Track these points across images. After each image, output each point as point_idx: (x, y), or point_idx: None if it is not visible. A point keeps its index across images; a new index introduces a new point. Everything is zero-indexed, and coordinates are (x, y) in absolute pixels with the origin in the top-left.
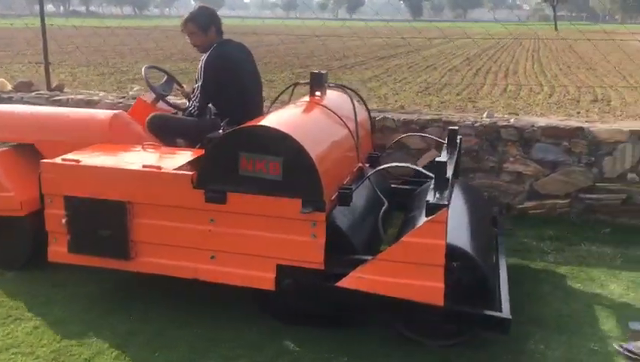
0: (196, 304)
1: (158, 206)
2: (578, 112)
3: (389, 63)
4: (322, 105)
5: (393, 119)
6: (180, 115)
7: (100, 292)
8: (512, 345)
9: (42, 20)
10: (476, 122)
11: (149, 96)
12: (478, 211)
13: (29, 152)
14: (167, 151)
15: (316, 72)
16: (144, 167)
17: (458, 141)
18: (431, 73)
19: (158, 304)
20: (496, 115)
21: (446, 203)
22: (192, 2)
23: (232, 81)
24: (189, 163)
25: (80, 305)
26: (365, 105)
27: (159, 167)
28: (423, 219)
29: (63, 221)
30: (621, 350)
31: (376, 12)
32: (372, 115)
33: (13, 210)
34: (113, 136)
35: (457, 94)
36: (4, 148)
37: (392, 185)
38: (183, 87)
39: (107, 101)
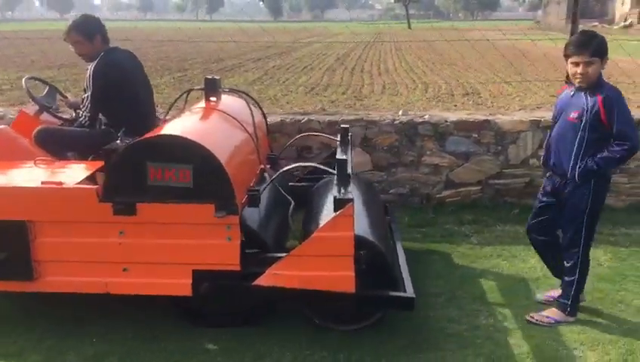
0: (158, 317)
1: (61, 223)
2: (455, 105)
3: (267, 65)
4: (221, 111)
5: (318, 121)
6: (66, 126)
7: (52, 319)
8: (467, 322)
9: None
10: (395, 120)
11: (31, 109)
12: (373, 202)
13: None
14: (62, 166)
15: (210, 77)
16: (43, 183)
17: (349, 138)
18: (310, 74)
19: (116, 323)
20: (410, 112)
21: (352, 197)
22: (37, 4)
23: (123, 89)
24: (90, 176)
25: (35, 332)
26: (260, 108)
27: (60, 183)
28: (327, 214)
29: None
30: (533, 320)
31: (239, 10)
32: (296, 118)
33: None
34: None
35: (343, 93)
36: None
37: (290, 184)
38: (66, 97)
39: (11, 116)
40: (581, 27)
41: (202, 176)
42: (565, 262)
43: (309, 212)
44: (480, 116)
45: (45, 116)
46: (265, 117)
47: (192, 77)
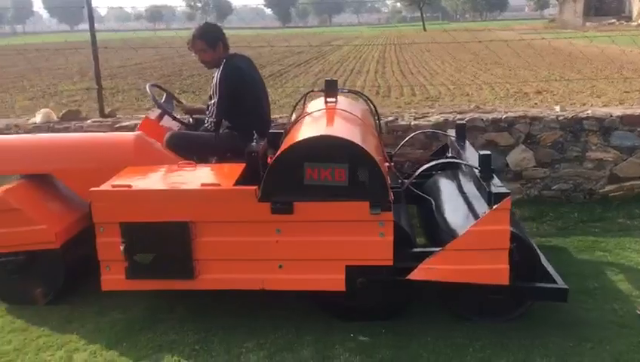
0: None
1: (221, 222)
2: (536, 103)
3: (311, 70)
4: (347, 111)
5: (482, 119)
6: (182, 129)
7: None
8: None
9: (94, 43)
10: (559, 115)
11: (153, 114)
12: None
13: (46, 182)
14: (208, 168)
15: (329, 79)
16: (203, 185)
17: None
18: (360, 77)
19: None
20: (570, 106)
21: (509, 191)
22: (44, 17)
23: (247, 93)
24: (240, 177)
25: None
26: (375, 108)
27: (219, 185)
28: (460, 208)
29: (121, 248)
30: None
31: (243, 19)
32: (458, 116)
33: (46, 242)
34: (137, 158)
35: (413, 95)
36: (22, 180)
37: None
38: (182, 102)
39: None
40: (596, 25)
41: (357, 174)
42: None
43: (437, 208)
44: None
45: (165, 121)
46: (378, 115)
47: None
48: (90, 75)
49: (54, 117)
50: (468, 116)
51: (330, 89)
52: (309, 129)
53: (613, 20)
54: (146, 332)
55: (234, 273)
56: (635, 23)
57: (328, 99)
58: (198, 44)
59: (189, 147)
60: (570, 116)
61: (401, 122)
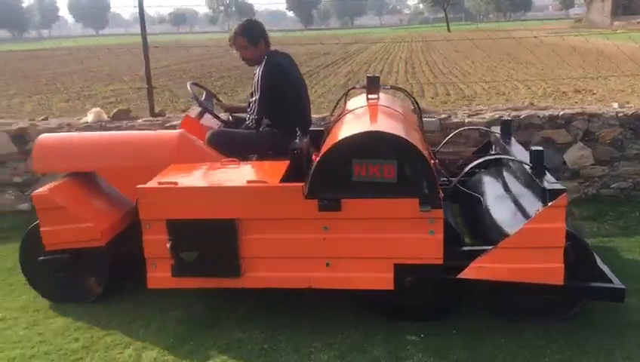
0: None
1: (268, 220)
2: (576, 102)
3: (340, 71)
4: (390, 108)
5: (538, 116)
6: (222, 127)
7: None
8: None
9: (145, 45)
10: (620, 112)
11: (193, 112)
12: None
13: (90, 180)
14: (251, 166)
15: (371, 75)
16: (249, 182)
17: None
18: (391, 77)
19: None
20: (628, 104)
21: (565, 188)
22: (69, 22)
23: (289, 90)
24: (285, 174)
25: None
26: (417, 105)
27: (265, 182)
28: (507, 207)
29: (168, 245)
30: None
31: (269, 22)
32: (513, 113)
33: (92, 240)
34: (180, 156)
35: (447, 94)
36: (67, 178)
37: (442, 178)
38: (221, 100)
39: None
40: (624, 23)
41: (407, 171)
42: None
43: (484, 206)
44: None
45: (204, 119)
46: (420, 111)
47: None
48: (138, 76)
49: (105, 116)
50: (523, 113)
51: (372, 85)
52: (355, 125)
53: None
54: (211, 330)
55: (280, 271)
56: None
57: (370, 96)
58: (239, 40)
59: (230, 144)
60: (631, 113)
61: (454, 120)
